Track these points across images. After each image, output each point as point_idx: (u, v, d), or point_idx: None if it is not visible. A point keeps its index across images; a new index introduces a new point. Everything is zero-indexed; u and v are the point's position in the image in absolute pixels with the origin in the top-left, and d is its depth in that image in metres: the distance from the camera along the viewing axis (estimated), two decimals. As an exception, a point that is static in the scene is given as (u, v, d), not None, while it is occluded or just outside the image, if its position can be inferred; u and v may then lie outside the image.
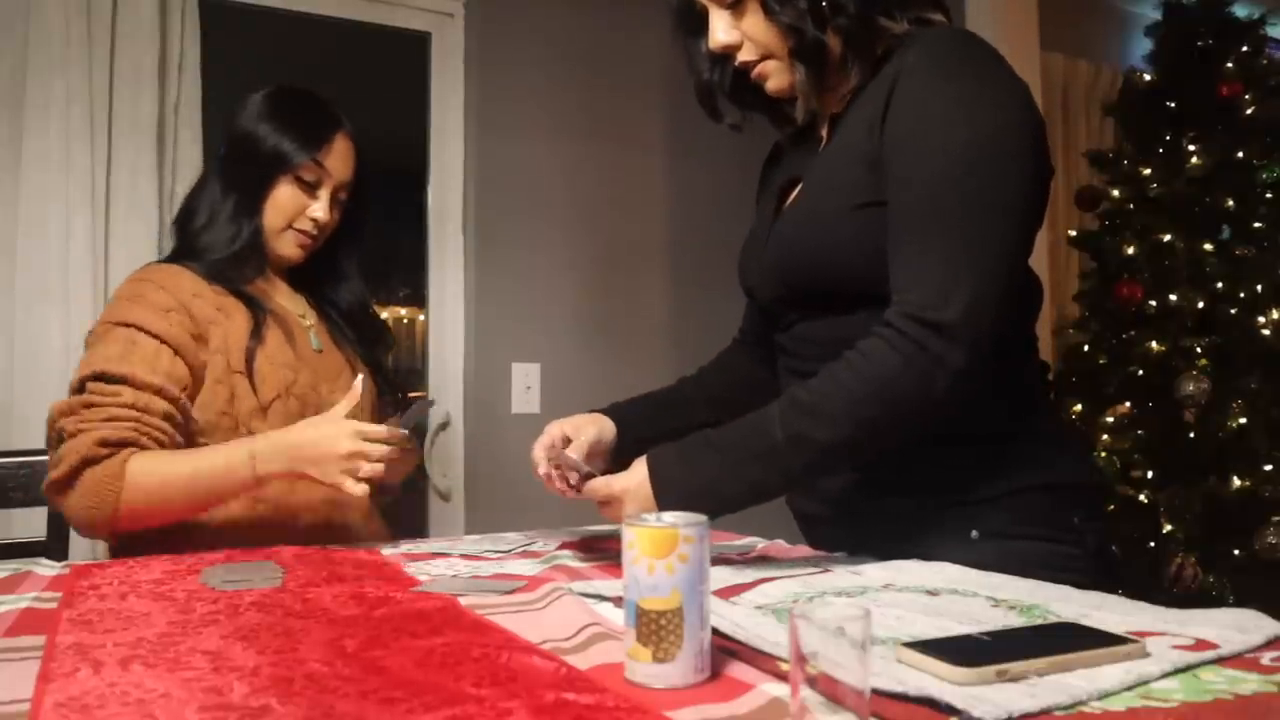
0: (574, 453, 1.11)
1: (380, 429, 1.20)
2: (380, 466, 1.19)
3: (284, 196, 1.40)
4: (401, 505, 1.63)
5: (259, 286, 1.44)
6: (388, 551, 1.19)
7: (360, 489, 1.18)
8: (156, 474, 1.20)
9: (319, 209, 1.41)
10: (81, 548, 1.75)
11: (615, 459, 1.19)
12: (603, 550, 1.16)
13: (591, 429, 1.18)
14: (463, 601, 0.86)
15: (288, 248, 1.43)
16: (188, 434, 1.30)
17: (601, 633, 0.73)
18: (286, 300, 1.49)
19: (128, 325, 1.29)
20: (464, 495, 2.49)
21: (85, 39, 2.05)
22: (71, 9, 2.04)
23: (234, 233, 1.39)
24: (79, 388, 1.26)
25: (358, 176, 1.47)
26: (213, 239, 1.39)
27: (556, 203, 2.61)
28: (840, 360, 0.96)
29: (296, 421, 1.30)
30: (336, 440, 1.18)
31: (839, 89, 1.09)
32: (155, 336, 1.28)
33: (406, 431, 1.24)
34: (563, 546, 1.21)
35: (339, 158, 1.42)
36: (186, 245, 1.42)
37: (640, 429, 1.22)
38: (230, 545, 1.19)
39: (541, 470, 1.09)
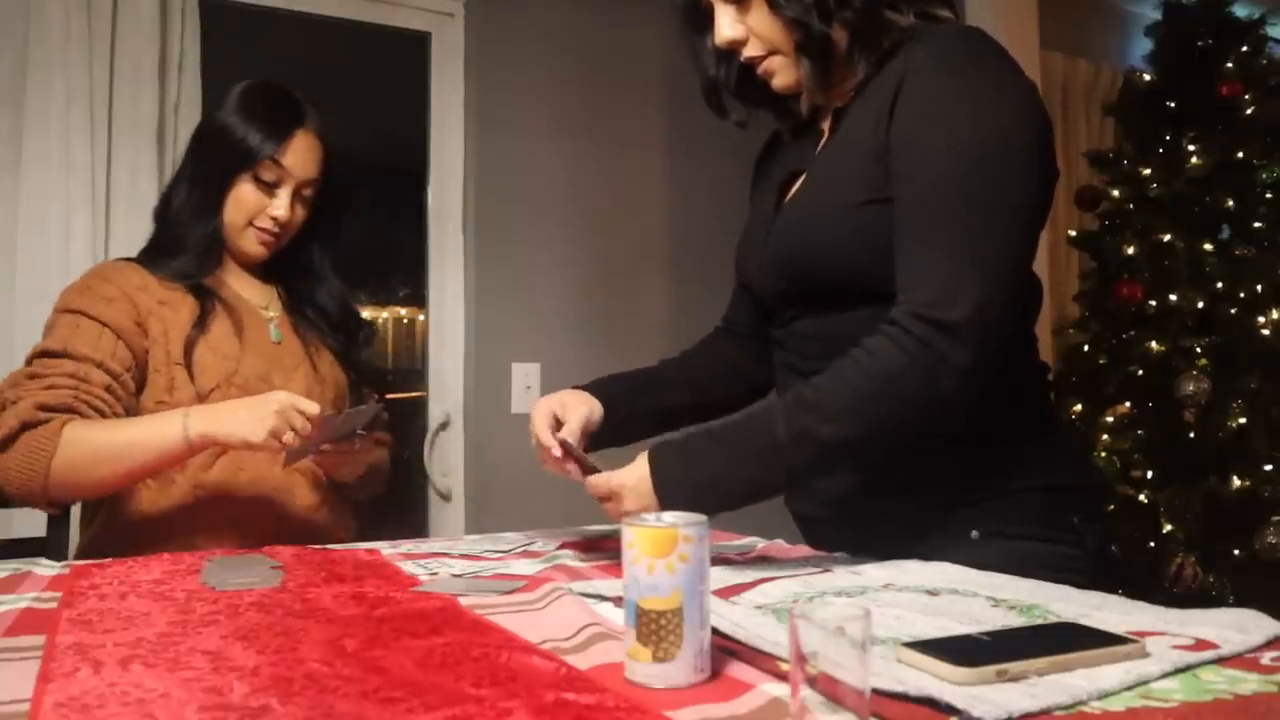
0: (568, 436, 1.11)
1: (312, 404, 1.25)
2: (293, 438, 1.22)
3: (244, 194, 1.41)
4: (399, 507, 1.62)
5: (218, 278, 1.46)
6: (388, 551, 1.19)
7: (276, 452, 1.23)
8: (88, 441, 1.23)
9: (278, 208, 1.42)
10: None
11: (595, 437, 1.19)
12: (603, 550, 1.16)
13: (582, 409, 1.17)
14: (463, 601, 0.86)
15: (250, 245, 1.45)
16: (130, 407, 1.33)
17: (601, 633, 0.72)
18: (251, 292, 1.49)
19: (73, 311, 1.34)
20: (464, 495, 2.49)
21: (85, 37, 2.05)
22: (71, 7, 2.04)
23: (197, 229, 1.42)
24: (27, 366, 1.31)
25: (325, 173, 1.46)
26: (179, 232, 1.42)
27: (557, 202, 2.61)
28: (846, 357, 0.96)
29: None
30: (268, 399, 1.24)
31: (844, 83, 1.09)
32: (97, 320, 1.32)
33: (334, 421, 1.27)
34: (563, 546, 1.21)
35: (299, 155, 1.42)
36: (160, 236, 1.46)
37: (623, 408, 1.22)
38: (175, 535, 1.20)
39: (556, 451, 1.09)
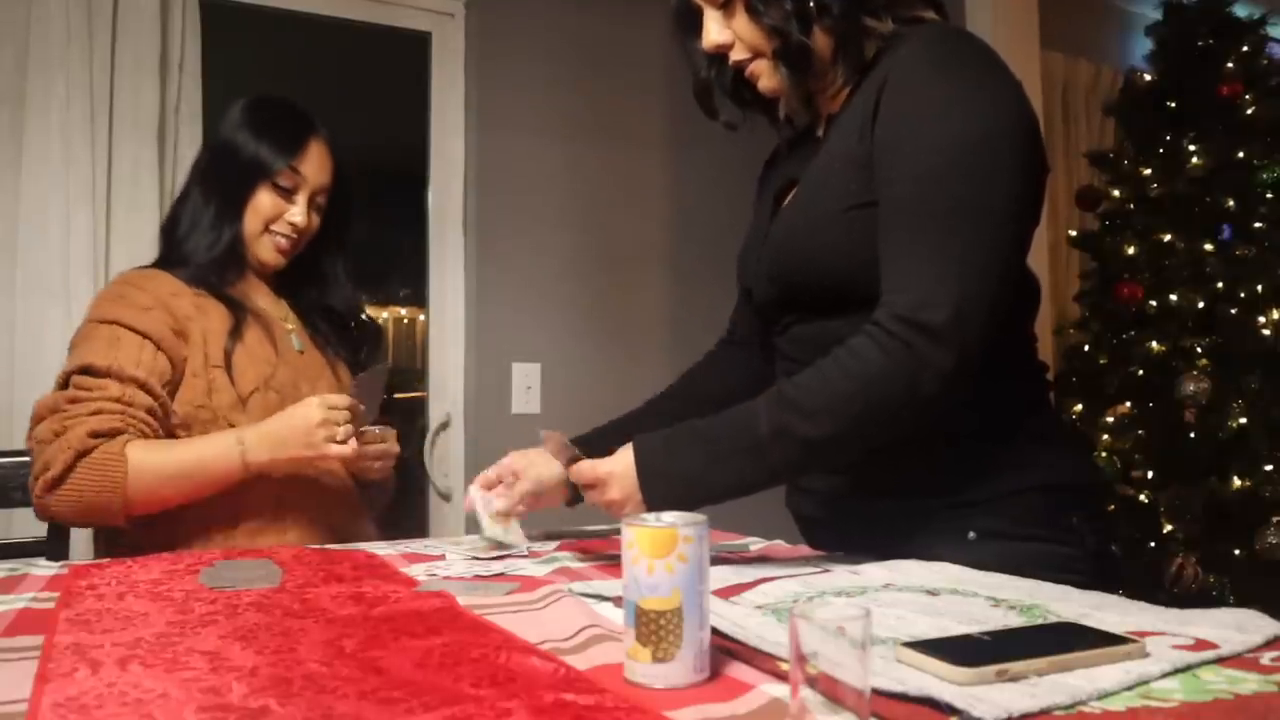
0: (513, 500, 1.17)
1: (342, 397, 1.32)
2: (350, 429, 1.30)
3: (263, 202, 1.43)
4: (399, 507, 1.63)
5: (240, 289, 1.47)
6: (387, 551, 1.19)
7: (343, 450, 1.29)
8: (151, 462, 1.25)
9: (296, 213, 1.44)
10: (81, 549, 1.74)
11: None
12: (603, 550, 1.16)
13: (530, 481, 1.17)
14: (462, 601, 0.86)
15: (266, 252, 1.46)
16: (168, 429, 1.33)
17: (601, 633, 0.72)
18: (268, 304, 1.51)
19: (110, 322, 1.33)
20: (464, 495, 2.49)
21: (86, 35, 2.05)
22: (72, 5, 2.04)
23: (214, 238, 1.43)
24: (64, 383, 1.30)
25: (336, 180, 1.49)
26: (194, 245, 1.43)
27: (557, 202, 2.61)
28: (829, 356, 0.96)
29: (275, 414, 1.36)
30: (308, 412, 1.29)
31: (830, 89, 1.09)
32: (137, 332, 1.32)
33: (362, 404, 1.34)
34: (563, 547, 1.21)
35: (314, 163, 1.45)
36: (170, 251, 1.46)
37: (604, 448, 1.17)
38: (218, 522, 1.24)
39: (474, 504, 1.19)
